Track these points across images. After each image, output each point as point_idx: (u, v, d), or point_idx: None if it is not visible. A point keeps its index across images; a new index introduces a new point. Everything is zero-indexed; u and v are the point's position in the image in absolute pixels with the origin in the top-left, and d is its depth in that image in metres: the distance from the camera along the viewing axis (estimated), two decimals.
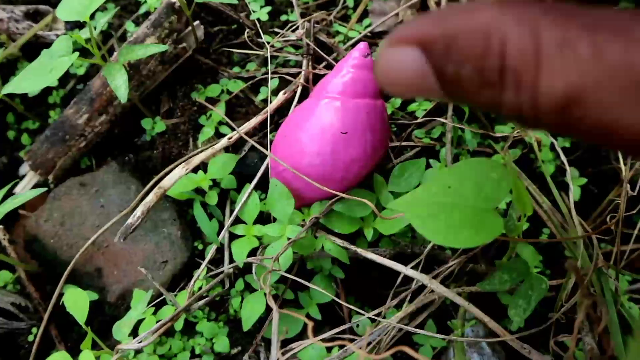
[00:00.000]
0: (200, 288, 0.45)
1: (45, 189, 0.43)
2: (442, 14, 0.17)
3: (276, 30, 0.55)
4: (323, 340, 0.43)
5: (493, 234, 0.28)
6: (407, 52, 0.17)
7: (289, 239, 0.41)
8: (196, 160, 0.45)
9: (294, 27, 0.54)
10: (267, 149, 0.46)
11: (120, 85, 0.39)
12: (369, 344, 0.43)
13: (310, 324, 0.35)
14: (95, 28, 0.44)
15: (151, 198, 0.39)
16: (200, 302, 0.44)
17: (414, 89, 0.18)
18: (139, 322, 0.43)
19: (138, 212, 0.38)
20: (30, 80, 0.39)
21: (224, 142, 0.46)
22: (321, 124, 0.39)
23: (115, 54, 0.46)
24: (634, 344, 0.12)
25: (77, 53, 0.39)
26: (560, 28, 0.15)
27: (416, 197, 0.29)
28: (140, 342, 0.38)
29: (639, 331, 0.12)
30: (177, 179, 0.41)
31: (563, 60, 0.15)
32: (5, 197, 0.44)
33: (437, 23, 0.17)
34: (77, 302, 0.38)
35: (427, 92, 0.18)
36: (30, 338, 0.43)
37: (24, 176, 0.51)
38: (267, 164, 0.46)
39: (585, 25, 0.15)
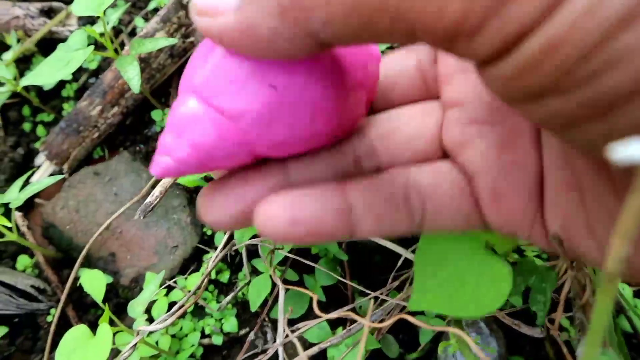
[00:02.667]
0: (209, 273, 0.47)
1: (62, 176, 0.45)
2: None
3: None
4: (327, 320, 0.45)
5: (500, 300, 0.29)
6: None
7: None
8: None
9: None
10: None
11: (132, 76, 0.41)
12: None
13: (315, 297, 0.37)
14: (107, 23, 0.46)
15: (168, 179, 0.41)
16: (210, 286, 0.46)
17: None
18: (151, 303, 0.46)
19: (156, 191, 0.39)
20: (47, 72, 0.41)
21: None
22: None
23: (126, 47, 0.48)
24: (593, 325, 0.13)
25: (92, 46, 0.41)
26: None
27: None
28: (161, 322, 0.40)
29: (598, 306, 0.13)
30: None
31: None
32: (23, 185, 0.46)
33: None
34: (94, 282, 0.40)
35: None
36: (49, 319, 0.45)
37: (39, 166, 0.54)
38: None
39: None
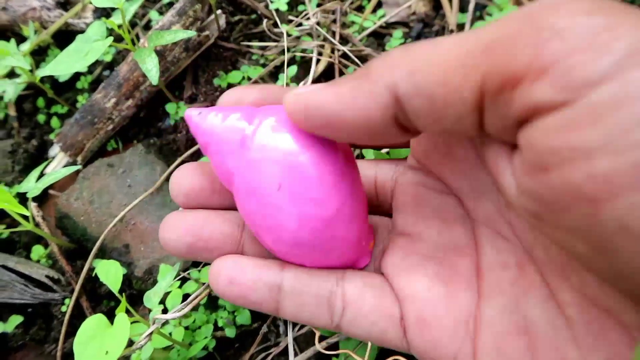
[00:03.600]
0: None
1: (78, 167, 0.45)
2: None
3: (294, 19, 0.57)
4: None
5: None
6: None
7: None
8: None
9: (308, 17, 0.56)
10: None
11: (151, 68, 0.42)
12: None
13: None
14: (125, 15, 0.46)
15: None
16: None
17: None
18: (165, 295, 0.46)
19: None
20: (65, 63, 0.42)
21: None
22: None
23: (142, 40, 0.49)
24: None
25: (111, 37, 0.41)
26: None
27: None
28: (177, 311, 0.40)
29: None
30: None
31: None
32: (39, 176, 0.46)
33: None
34: (110, 272, 0.40)
35: None
36: (64, 308, 0.46)
37: (53, 158, 0.54)
38: None
39: None
